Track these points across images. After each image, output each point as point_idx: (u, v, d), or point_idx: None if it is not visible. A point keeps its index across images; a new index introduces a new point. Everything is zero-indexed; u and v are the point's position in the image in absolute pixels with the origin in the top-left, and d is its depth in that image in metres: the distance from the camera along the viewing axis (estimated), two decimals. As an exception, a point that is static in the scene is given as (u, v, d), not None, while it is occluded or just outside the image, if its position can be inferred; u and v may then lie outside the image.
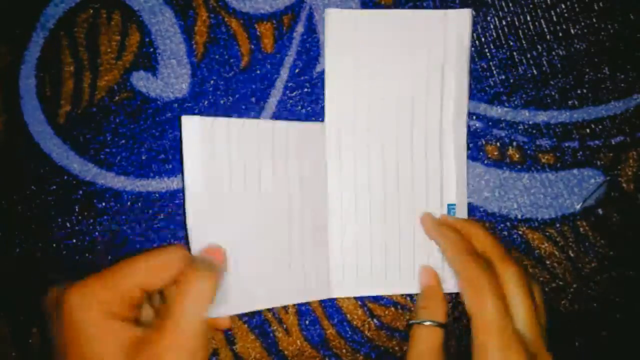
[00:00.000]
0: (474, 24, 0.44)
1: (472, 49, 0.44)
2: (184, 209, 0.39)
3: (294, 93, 0.45)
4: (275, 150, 0.42)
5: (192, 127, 0.39)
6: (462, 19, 0.43)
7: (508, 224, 0.44)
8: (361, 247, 0.43)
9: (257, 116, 0.45)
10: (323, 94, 0.44)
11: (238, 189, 0.40)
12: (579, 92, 0.43)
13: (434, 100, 0.43)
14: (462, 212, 0.43)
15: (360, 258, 0.43)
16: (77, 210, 0.45)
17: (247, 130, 0.41)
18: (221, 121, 0.40)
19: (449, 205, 0.43)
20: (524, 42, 0.44)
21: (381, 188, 0.44)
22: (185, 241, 0.40)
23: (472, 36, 0.44)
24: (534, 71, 0.44)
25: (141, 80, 0.45)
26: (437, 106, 0.43)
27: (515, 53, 0.44)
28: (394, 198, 0.43)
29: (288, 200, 0.42)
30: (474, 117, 0.44)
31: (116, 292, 0.33)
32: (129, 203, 0.45)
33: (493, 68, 0.44)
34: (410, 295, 0.44)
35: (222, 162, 0.40)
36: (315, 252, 0.43)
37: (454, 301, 0.44)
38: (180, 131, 0.39)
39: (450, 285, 0.42)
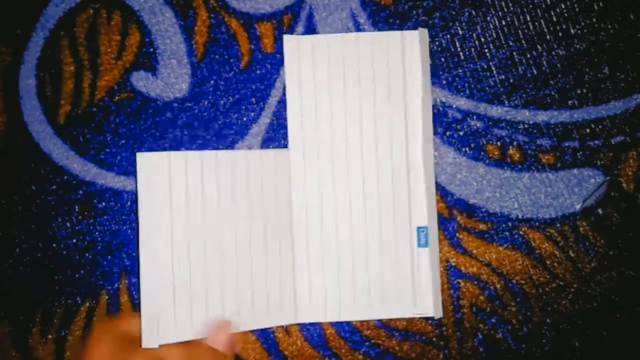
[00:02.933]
0: (474, 24, 0.44)
1: (472, 49, 0.44)
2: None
3: (294, 93, 0.45)
4: (236, 179, 0.42)
5: (148, 163, 0.40)
6: (415, 39, 0.43)
7: (509, 223, 0.44)
8: (328, 271, 0.43)
9: (257, 116, 0.45)
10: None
11: (196, 220, 0.40)
12: (579, 92, 0.43)
13: (398, 120, 0.43)
14: (433, 236, 0.43)
15: (328, 281, 0.43)
16: (77, 210, 0.45)
17: (205, 162, 0.41)
18: (178, 155, 0.41)
19: (419, 228, 0.43)
20: (524, 42, 0.44)
21: (347, 211, 0.43)
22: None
23: (431, 54, 0.44)
24: (534, 71, 0.44)
25: (141, 80, 0.45)
26: (402, 126, 0.43)
27: (515, 53, 0.44)
28: (360, 222, 0.43)
29: (249, 227, 0.42)
30: (474, 117, 0.44)
31: None
32: (129, 203, 0.45)
33: (493, 68, 0.44)
34: (411, 295, 0.44)
35: (179, 195, 0.40)
36: (280, 277, 0.43)
37: (455, 302, 0.44)
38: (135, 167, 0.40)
39: (420, 307, 0.43)
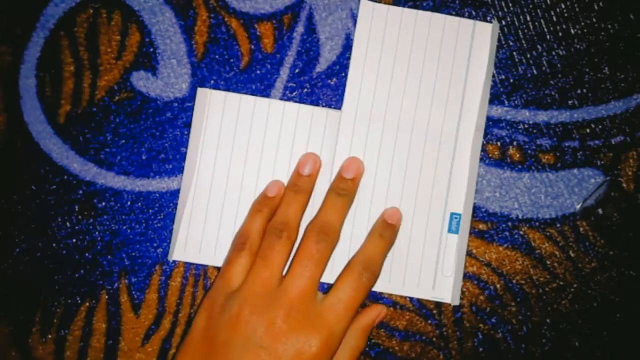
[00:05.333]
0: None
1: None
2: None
3: (294, 93, 0.45)
4: (283, 130, 0.44)
5: (205, 100, 0.43)
6: (487, 32, 0.43)
7: (509, 223, 0.44)
8: (356, 237, 0.43)
9: (257, 116, 0.45)
10: (323, 94, 0.44)
11: (239, 161, 0.44)
12: (579, 92, 0.43)
13: (454, 106, 0.43)
14: (465, 225, 0.43)
15: (354, 246, 0.43)
16: (77, 210, 0.45)
17: (258, 108, 0.44)
18: (234, 96, 0.44)
19: (452, 214, 0.43)
20: (524, 42, 0.44)
21: (386, 181, 0.44)
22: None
23: (497, 49, 0.44)
24: (534, 71, 0.44)
25: (141, 80, 0.45)
26: (456, 112, 0.43)
27: (515, 53, 0.44)
28: (396, 196, 0.43)
29: (285, 180, 0.44)
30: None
31: None
32: (129, 203, 0.45)
33: (493, 68, 0.44)
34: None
35: (227, 135, 0.44)
36: None
37: (456, 304, 0.44)
38: (193, 102, 0.43)
39: (439, 292, 0.43)
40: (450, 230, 0.43)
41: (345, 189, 0.42)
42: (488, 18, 0.44)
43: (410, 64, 0.44)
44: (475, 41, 0.44)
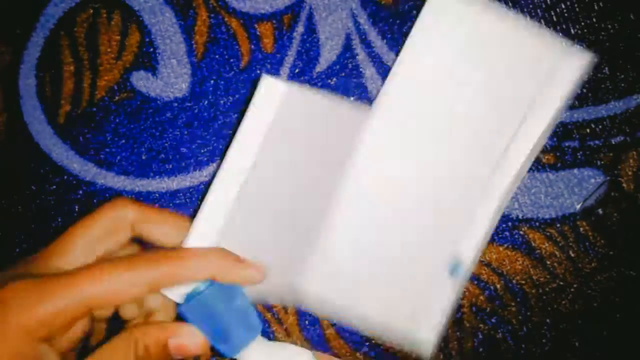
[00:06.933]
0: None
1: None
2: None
3: (294, 93, 0.45)
4: (313, 125, 0.35)
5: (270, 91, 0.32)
6: (578, 61, 0.35)
7: (509, 223, 0.44)
8: (353, 253, 0.39)
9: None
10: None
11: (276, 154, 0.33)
12: (579, 92, 0.43)
13: (503, 135, 0.35)
14: (467, 273, 0.37)
15: (346, 265, 0.38)
16: (77, 210, 0.45)
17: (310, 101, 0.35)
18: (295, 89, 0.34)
19: (456, 260, 0.37)
20: (524, 42, 0.44)
21: (401, 202, 0.38)
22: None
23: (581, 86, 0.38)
24: (534, 71, 0.44)
25: (141, 80, 0.45)
26: (503, 144, 0.36)
27: (515, 53, 0.44)
28: (405, 218, 0.38)
29: (304, 173, 0.36)
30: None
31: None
32: (129, 203, 0.45)
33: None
34: (411, 295, 0.44)
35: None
36: (307, 237, 0.38)
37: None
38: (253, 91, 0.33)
39: (412, 342, 0.37)
40: (450, 274, 0.38)
41: None
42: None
43: (469, 73, 0.36)
44: (562, 66, 0.35)
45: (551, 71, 0.35)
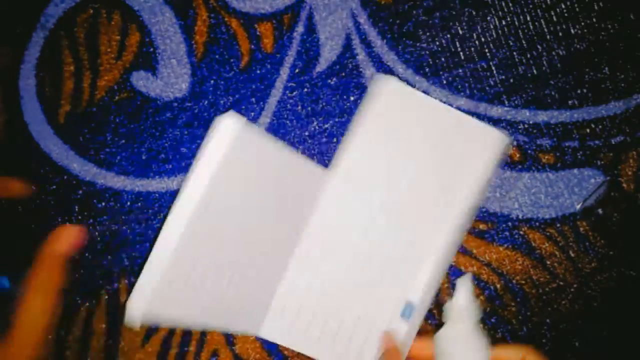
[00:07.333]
0: (474, 24, 0.44)
1: (472, 48, 0.44)
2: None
3: (294, 93, 0.45)
4: (270, 179, 0.39)
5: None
6: (497, 140, 0.41)
7: (509, 223, 0.44)
8: (308, 299, 0.41)
9: (257, 116, 0.45)
10: (323, 94, 0.44)
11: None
12: (579, 92, 0.43)
13: (444, 203, 0.41)
14: (419, 316, 0.41)
15: (303, 310, 0.41)
16: (77, 210, 0.45)
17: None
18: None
19: (407, 304, 0.41)
20: (524, 42, 0.44)
21: (350, 252, 0.42)
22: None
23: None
24: (534, 71, 0.44)
25: (141, 80, 0.45)
26: (445, 209, 0.41)
27: (515, 53, 0.44)
28: (358, 269, 0.41)
29: (263, 222, 0.39)
30: (475, 117, 0.44)
31: None
32: (128, 203, 0.45)
33: (493, 68, 0.44)
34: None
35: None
36: (261, 283, 0.41)
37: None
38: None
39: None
40: (402, 315, 0.41)
41: None
42: (488, 18, 0.44)
43: (413, 149, 0.42)
44: (486, 148, 0.41)
45: (480, 146, 0.41)
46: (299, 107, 0.45)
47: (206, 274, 0.36)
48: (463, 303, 0.37)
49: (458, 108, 0.44)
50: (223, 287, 0.38)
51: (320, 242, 0.42)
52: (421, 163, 0.42)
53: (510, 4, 0.44)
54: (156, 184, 0.45)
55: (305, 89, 0.45)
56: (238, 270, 0.38)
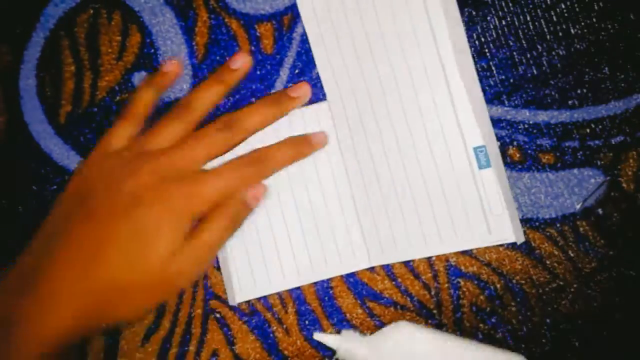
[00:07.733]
0: (474, 24, 0.44)
1: (472, 48, 0.44)
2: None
3: (294, 93, 0.45)
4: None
5: None
6: None
7: (508, 224, 0.44)
8: (391, 211, 0.42)
9: (257, 116, 0.45)
10: (323, 94, 0.44)
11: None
12: (579, 92, 0.43)
13: (425, 39, 0.42)
14: (495, 156, 0.41)
15: (393, 221, 0.42)
16: (77, 210, 0.45)
17: None
18: None
19: (475, 148, 0.41)
20: (524, 42, 0.44)
21: (395, 148, 0.42)
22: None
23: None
24: (534, 71, 0.44)
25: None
26: (431, 44, 0.42)
27: (515, 53, 0.44)
28: (412, 156, 0.42)
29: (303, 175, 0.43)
30: (474, 117, 0.44)
31: None
32: (129, 203, 0.45)
33: (493, 68, 0.44)
34: (410, 295, 0.44)
35: None
36: (345, 223, 0.43)
37: (455, 302, 0.44)
38: None
39: (497, 234, 0.41)
40: (480, 166, 0.41)
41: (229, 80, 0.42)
42: (488, 18, 0.44)
43: (365, 17, 0.42)
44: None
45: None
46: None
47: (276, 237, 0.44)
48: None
49: (458, 108, 0.44)
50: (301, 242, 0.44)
51: (364, 156, 0.43)
52: (385, 40, 0.42)
53: (510, 4, 0.44)
54: (156, 184, 0.45)
55: (305, 89, 0.45)
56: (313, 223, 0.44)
